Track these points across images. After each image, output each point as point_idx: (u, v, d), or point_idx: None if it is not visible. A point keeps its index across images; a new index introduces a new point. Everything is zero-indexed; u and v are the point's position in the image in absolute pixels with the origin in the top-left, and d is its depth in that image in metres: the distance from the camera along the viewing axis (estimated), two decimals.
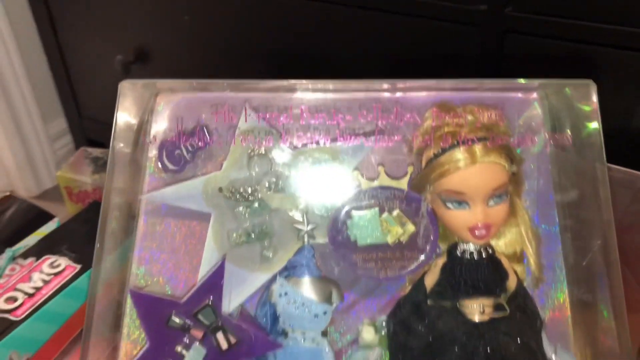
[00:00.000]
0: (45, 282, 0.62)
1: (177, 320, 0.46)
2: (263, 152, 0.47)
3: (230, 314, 0.47)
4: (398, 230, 0.46)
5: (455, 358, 0.44)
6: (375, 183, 0.47)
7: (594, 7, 0.61)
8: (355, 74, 0.53)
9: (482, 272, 0.45)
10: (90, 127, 1.17)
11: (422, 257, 0.46)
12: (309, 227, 0.47)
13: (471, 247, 0.46)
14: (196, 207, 0.48)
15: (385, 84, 0.47)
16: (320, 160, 0.47)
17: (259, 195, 0.47)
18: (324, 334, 0.47)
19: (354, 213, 0.46)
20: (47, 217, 0.75)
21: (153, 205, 0.49)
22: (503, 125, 0.46)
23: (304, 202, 0.47)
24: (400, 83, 0.47)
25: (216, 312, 0.46)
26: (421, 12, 0.70)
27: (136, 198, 0.49)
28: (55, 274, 0.63)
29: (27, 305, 0.60)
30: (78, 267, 0.64)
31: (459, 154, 0.44)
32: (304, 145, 0.47)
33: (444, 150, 0.44)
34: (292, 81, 0.48)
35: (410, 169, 0.47)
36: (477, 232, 0.44)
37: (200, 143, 0.48)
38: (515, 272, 0.47)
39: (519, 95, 0.49)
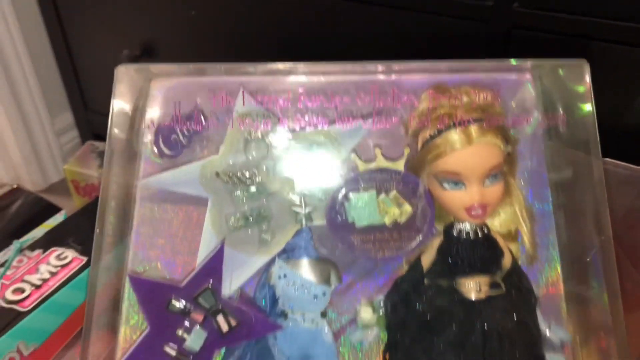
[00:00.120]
0: (52, 274, 0.63)
1: (177, 304, 0.46)
2: (260, 136, 0.47)
3: (230, 297, 0.47)
4: (395, 212, 0.46)
5: (452, 335, 0.45)
6: (373, 165, 0.47)
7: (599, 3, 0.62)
8: None
9: (478, 251, 0.46)
10: (96, 121, 1.17)
11: (419, 237, 0.47)
12: (307, 210, 0.47)
13: (467, 226, 0.46)
14: (193, 192, 0.48)
15: (380, 66, 0.47)
16: (317, 143, 0.47)
17: (257, 179, 0.47)
18: (323, 314, 0.47)
19: (352, 195, 0.46)
20: (54, 209, 0.75)
21: (150, 190, 0.49)
22: (498, 106, 0.46)
23: (302, 185, 0.47)
24: (396, 65, 0.47)
25: (216, 295, 0.46)
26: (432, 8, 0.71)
27: (133, 184, 0.49)
28: (62, 266, 0.64)
29: (34, 296, 0.60)
30: (85, 259, 0.65)
31: (455, 135, 0.44)
32: (302, 128, 0.47)
33: (440, 132, 0.45)
34: (289, 64, 0.47)
35: (406, 151, 0.47)
36: (473, 212, 0.45)
37: (196, 127, 0.48)
38: (510, 251, 0.48)
39: (513, 76, 0.50)
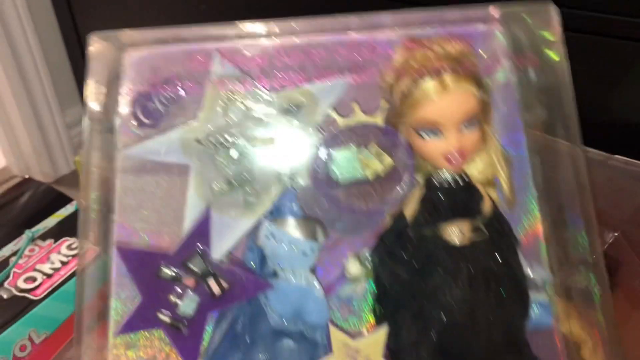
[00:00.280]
0: (64, 264, 0.64)
1: (167, 271, 0.47)
2: (239, 99, 0.47)
3: (220, 261, 0.48)
4: (376, 165, 0.47)
5: (439, 280, 0.46)
6: (352, 120, 0.48)
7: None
8: None
9: (459, 197, 0.47)
10: None
11: (401, 188, 0.48)
12: (290, 170, 0.48)
13: (447, 175, 0.47)
14: (175, 160, 0.48)
15: (354, 18, 0.47)
16: (296, 102, 0.47)
17: (238, 141, 0.48)
18: (313, 271, 0.48)
19: (333, 151, 0.47)
20: (65, 200, 0.75)
21: (131, 161, 0.49)
22: (470, 54, 0.47)
23: (283, 145, 0.48)
24: (368, 17, 0.47)
25: (206, 260, 0.47)
26: None
27: (114, 156, 0.48)
28: (74, 256, 0.65)
29: (45, 285, 0.61)
30: (97, 249, 0.64)
31: (430, 84, 0.45)
32: (281, 87, 0.47)
33: (415, 82, 0.45)
34: (262, 24, 0.47)
35: (383, 104, 0.48)
36: (452, 159, 0.46)
37: (173, 95, 0.48)
38: (490, 197, 0.49)
39: (483, 27, 0.51)
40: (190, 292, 0.47)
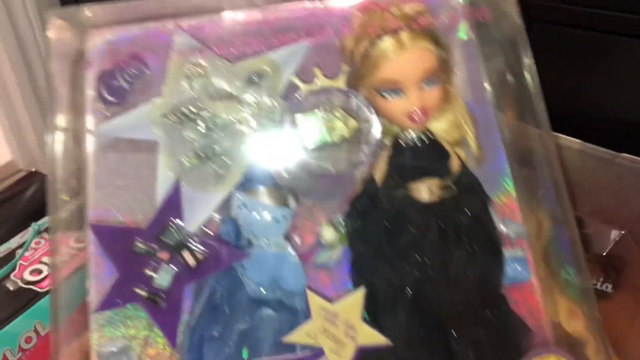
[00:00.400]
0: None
1: (141, 245, 0.47)
2: (201, 71, 0.48)
3: (194, 233, 0.48)
4: (342, 128, 0.48)
5: (410, 237, 0.47)
6: (314, 86, 0.48)
7: None
8: None
9: (426, 155, 0.48)
10: None
11: (368, 149, 0.48)
12: (258, 140, 0.48)
13: (413, 134, 0.48)
14: (143, 137, 0.48)
15: None
16: (259, 71, 0.48)
17: (204, 114, 0.48)
18: (287, 238, 0.49)
19: (298, 117, 0.47)
20: None
21: (99, 140, 0.49)
22: (426, 13, 0.48)
23: (249, 116, 0.48)
24: None
25: (179, 232, 0.47)
26: None
27: (83, 136, 0.49)
28: (80, 249, 0.64)
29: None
30: None
31: (388, 43, 0.45)
32: (242, 54, 0.48)
33: (373, 43, 0.46)
34: None
35: (344, 67, 0.48)
36: (415, 117, 0.46)
37: (136, 71, 0.48)
38: (459, 156, 0.50)
39: None
40: (165, 265, 0.47)
